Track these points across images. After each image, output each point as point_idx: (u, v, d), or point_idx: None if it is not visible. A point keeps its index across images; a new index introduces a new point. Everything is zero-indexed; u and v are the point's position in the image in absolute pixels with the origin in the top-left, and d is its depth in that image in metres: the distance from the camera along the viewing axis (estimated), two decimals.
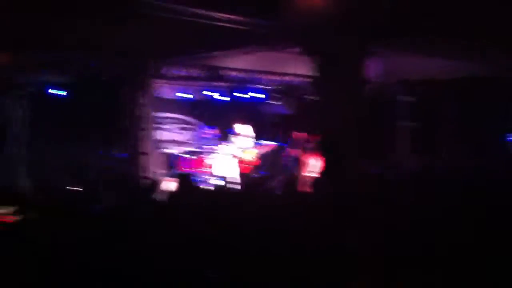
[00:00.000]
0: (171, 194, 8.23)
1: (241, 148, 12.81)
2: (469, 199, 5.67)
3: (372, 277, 4.10)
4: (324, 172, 8.70)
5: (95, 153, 12.30)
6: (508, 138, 13.58)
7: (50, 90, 11.34)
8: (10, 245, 4.52)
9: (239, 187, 11.41)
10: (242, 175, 12.61)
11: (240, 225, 5.15)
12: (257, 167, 13.29)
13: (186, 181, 8.52)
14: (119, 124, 11.01)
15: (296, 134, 13.80)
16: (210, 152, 13.60)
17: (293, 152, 13.63)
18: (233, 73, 11.94)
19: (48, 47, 8.22)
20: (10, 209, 6.20)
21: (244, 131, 12.90)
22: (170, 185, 11.37)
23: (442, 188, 6.61)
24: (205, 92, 13.90)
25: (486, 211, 5.06)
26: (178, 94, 13.93)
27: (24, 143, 11.65)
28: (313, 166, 12.82)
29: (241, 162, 12.77)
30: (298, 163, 13.50)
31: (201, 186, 10.55)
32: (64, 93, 11.30)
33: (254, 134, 13.30)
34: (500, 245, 4.22)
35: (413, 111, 14.52)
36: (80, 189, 7.94)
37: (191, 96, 14.23)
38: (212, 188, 9.43)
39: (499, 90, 11.99)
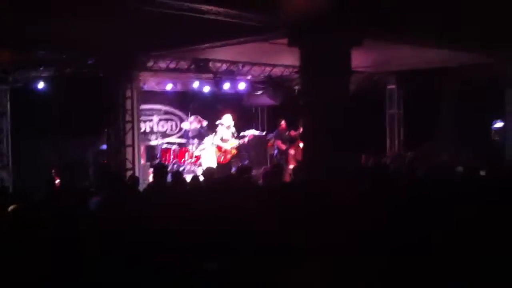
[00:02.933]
0: (152, 186, 8.17)
1: (224, 138, 12.79)
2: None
3: None
4: (309, 164, 8.69)
5: (82, 147, 12.24)
6: (493, 127, 13.71)
7: (37, 86, 11.26)
8: None
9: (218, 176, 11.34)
10: (223, 165, 12.58)
11: (219, 217, 5.08)
12: (239, 157, 13.30)
13: (164, 172, 8.47)
14: (106, 117, 10.92)
15: (282, 125, 13.83)
16: (195, 143, 13.60)
17: (279, 142, 13.66)
18: (220, 65, 11.90)
19: (36, 45, 8.14)
20: None
21: (228, 121, 12.87)
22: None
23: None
24: (191, 84, 13.87)
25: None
26: (164, 86, 13.89)
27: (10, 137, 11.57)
28: (299, 157, 12.88)
29: (223, 152, 12.74)
30: (283, 154, 13.55)
31: (185, 177, 10.49)
32: (50, 88, 11.21)
33: (237, 125, 13.28)
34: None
35: (402, 102, 14.66)
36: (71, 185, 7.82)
37: (177, 88, 14.22)
38: (193, 179, 9.29)
39: (490, 79, 12.09)
